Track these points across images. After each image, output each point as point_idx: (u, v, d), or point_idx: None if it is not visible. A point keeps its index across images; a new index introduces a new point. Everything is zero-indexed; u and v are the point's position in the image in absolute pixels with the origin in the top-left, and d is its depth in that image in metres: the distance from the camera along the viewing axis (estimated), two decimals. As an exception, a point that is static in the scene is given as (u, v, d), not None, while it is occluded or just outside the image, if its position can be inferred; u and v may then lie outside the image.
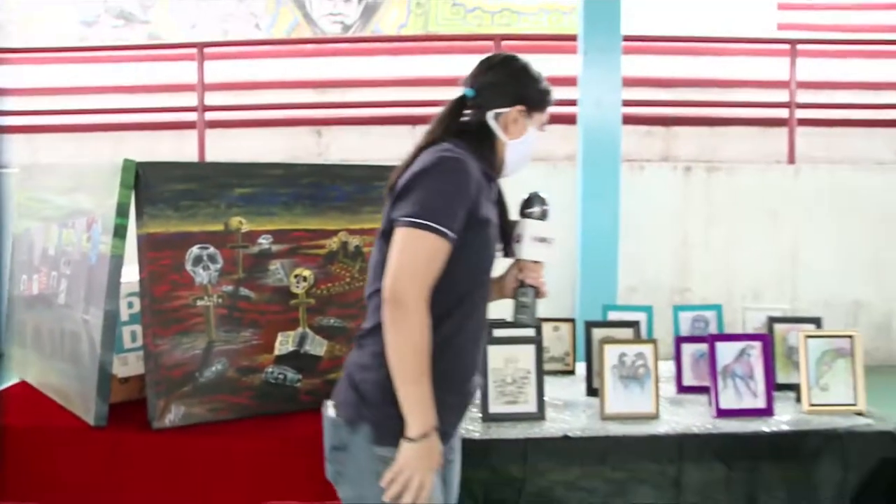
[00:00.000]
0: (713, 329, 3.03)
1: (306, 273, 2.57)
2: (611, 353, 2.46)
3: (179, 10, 9.65)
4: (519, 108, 1.97)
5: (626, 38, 7.70)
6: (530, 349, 2.46)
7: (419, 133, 2.01)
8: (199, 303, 2.41)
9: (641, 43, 7.79)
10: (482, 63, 2.03)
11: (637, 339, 2.54)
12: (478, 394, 2.43)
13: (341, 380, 1.94)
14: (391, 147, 7.30)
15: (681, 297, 6.82)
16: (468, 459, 2.25)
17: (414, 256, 1.76)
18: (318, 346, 2.58)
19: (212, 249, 2.43)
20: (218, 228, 2.44)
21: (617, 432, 2.35)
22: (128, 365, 2.62)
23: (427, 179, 1.81)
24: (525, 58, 2.04)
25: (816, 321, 2.87)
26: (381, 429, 1.81)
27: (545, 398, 2.64)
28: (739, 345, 2.54)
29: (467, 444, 2.28)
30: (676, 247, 6.90)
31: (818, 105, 7.54)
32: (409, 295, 1.74)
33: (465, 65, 2.12)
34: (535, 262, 2.05)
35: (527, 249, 2.03)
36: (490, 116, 1.97)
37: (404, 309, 1.74)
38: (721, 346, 2.53)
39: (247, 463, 2.34)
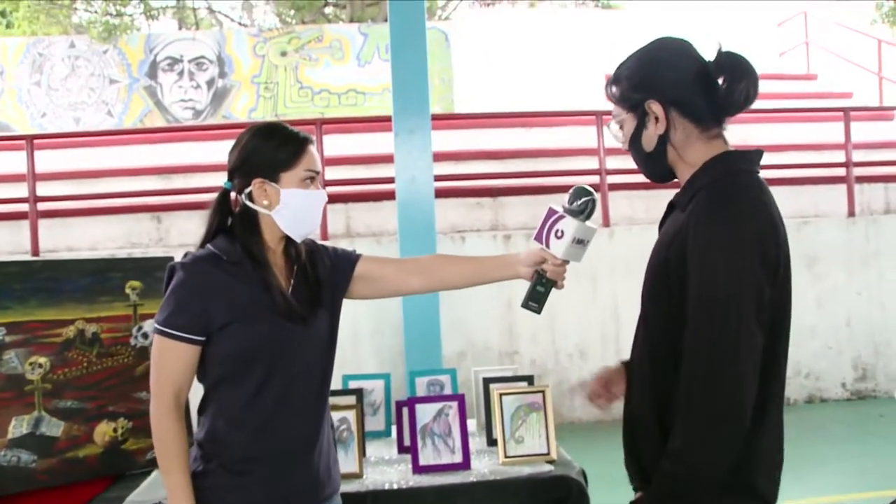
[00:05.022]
0: (448, 391, 3.32)
1: (42, 360, 2.79)
2: (314, 420, 2.70)
3: (28, 99, 9.74)
4: (257, 181, 1.98)
5: (447, 117, 8.14)
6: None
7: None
8: (-71, 395, 2.60)
9: (467, 119, 8.22)
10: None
11: (340, 406, 2.78)
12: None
13: None
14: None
15: (510, 359, 7.12)
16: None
17: (154, 362, 1.91)
18: (54, 428, 2.79)
19: (-58, 344, 2.64)
20: (-51, 325, 2.65)
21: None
22: None
23: (168, 291, 1.93)
24: (263, 126, 2.04)
25: (529, 379, 3.18)
26: None
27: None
28: (437, 405, 2.82)
29: None
30: (503, 311, 7.21)
31: (628, 171, 8.01)
32: (154, 397, 1.90)
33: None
34: (565, 260, 2.03)
35: (566, 249, 1.99)
36: (244, 199, 1.99)
37: (153, 410, 1.90)
38: (420, 408, 2.80)
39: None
